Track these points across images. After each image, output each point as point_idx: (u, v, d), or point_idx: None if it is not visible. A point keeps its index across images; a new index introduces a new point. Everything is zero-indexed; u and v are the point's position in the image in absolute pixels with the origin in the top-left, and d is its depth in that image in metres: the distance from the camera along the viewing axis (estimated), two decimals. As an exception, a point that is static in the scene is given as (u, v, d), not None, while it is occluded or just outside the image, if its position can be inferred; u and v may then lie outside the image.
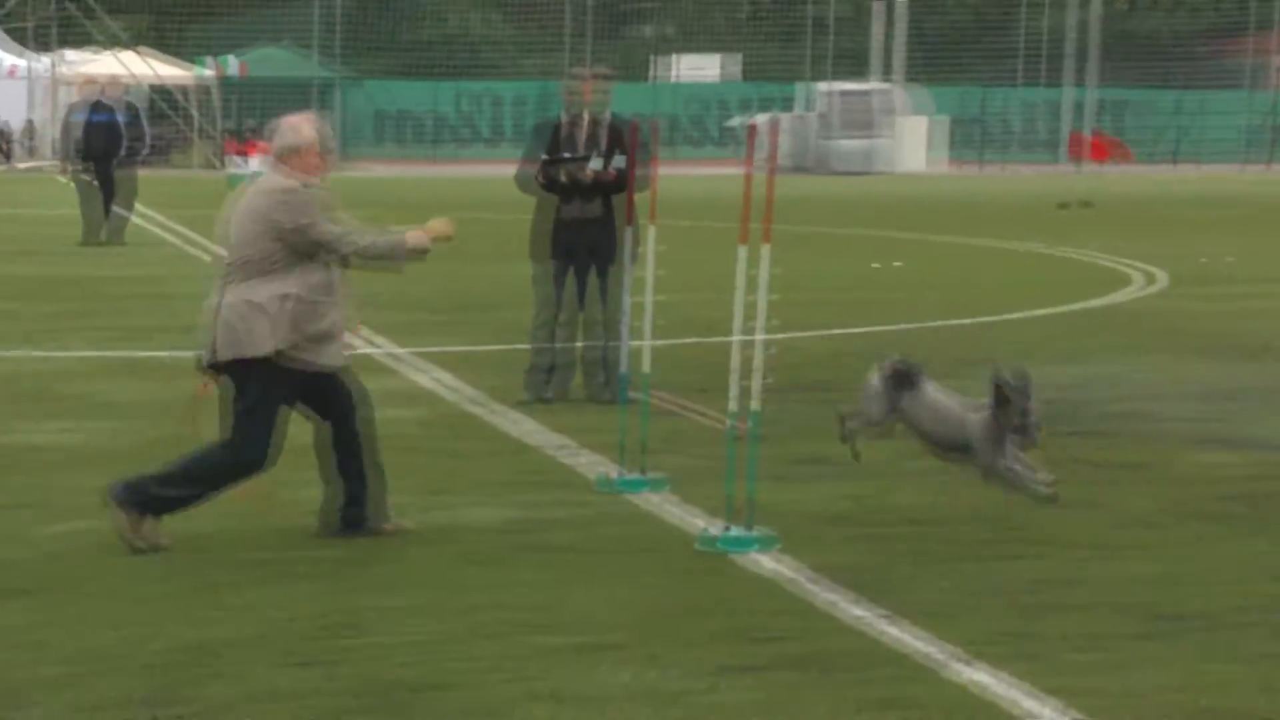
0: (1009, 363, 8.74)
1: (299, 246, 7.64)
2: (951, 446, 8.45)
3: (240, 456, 7.74)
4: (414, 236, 7.94)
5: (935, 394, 8.55)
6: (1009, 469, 8.18)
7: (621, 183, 11.44)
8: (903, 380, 8.59)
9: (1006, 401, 8.18)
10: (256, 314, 7.58)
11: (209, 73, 51.42)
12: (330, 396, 7.92)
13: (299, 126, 7.82)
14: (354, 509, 7.98)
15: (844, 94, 54.55)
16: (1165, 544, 8.00)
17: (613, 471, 9.31)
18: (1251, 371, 13.67)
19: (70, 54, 50.96)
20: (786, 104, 56.42)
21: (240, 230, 7.73)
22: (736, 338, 8.12)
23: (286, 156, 7.78)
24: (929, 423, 8.51)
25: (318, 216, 7.68)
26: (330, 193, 7.89)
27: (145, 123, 25.08)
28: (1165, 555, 7.77)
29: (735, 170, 46.71)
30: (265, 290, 7.59)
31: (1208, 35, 67.68)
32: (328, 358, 7.78)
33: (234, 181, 18.63)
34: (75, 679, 5.96)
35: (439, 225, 8.02)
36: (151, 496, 7.63)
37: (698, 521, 8.30)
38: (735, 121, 55.95)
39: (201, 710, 5.68)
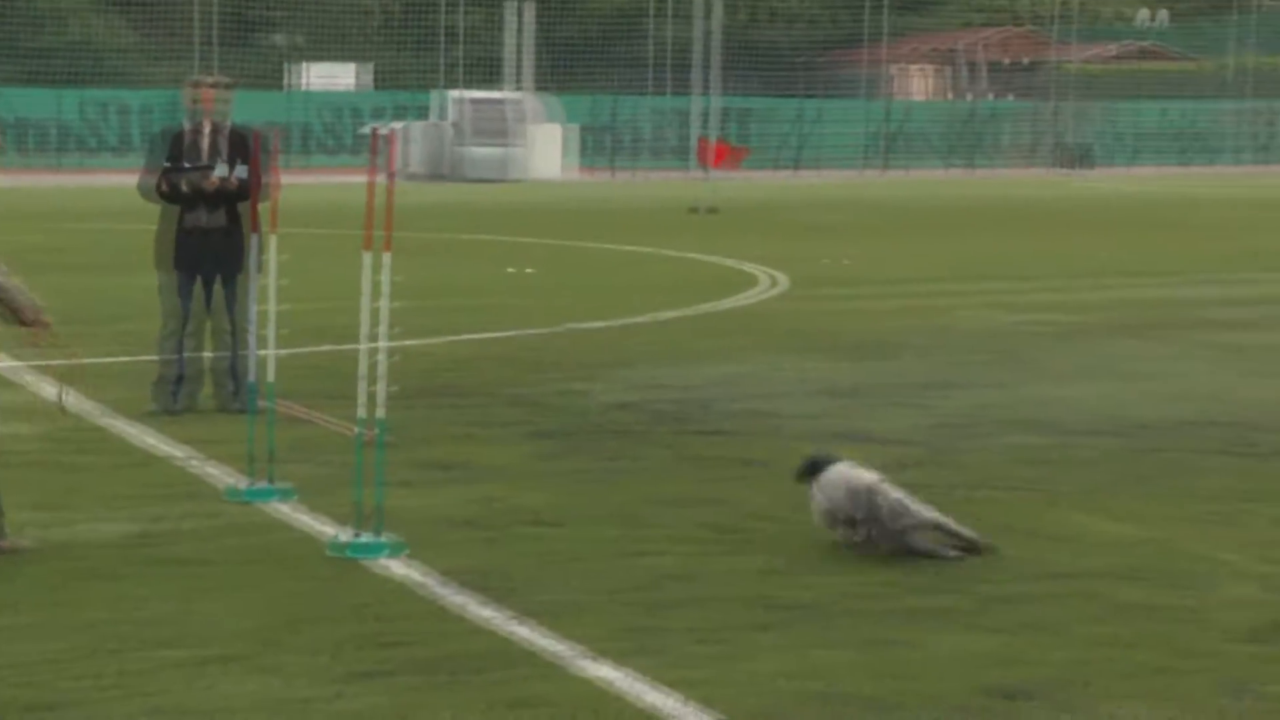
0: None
1: None
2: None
3: None
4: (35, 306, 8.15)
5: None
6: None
7: (244, 191, 11.33)
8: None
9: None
10: None
11: None
12: None
13: None
14: None
15: (475, 102, 54.68)
16: (783, 536, 8.23)
17: (241, 482, 9.20)
18: (869, 369, 14.16)
19: None
20: (422, 112, 56.34)
21: None
22: (364, 345, 8.10)
23: None
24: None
25: None
26: None
27: None
28: (782, 548, 8.00)
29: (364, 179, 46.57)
30: None
31: (825, 46, 69.98)
32: None
33: None
34: None
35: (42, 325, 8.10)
36: None
37: (327, 529, 8.25)
38: (367, 130, 55.62)
39: None
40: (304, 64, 61.04)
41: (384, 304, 7.92)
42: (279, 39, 63.42)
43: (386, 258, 7.92)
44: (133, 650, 6.40)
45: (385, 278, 7.91)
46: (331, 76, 61.52)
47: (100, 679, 6.07)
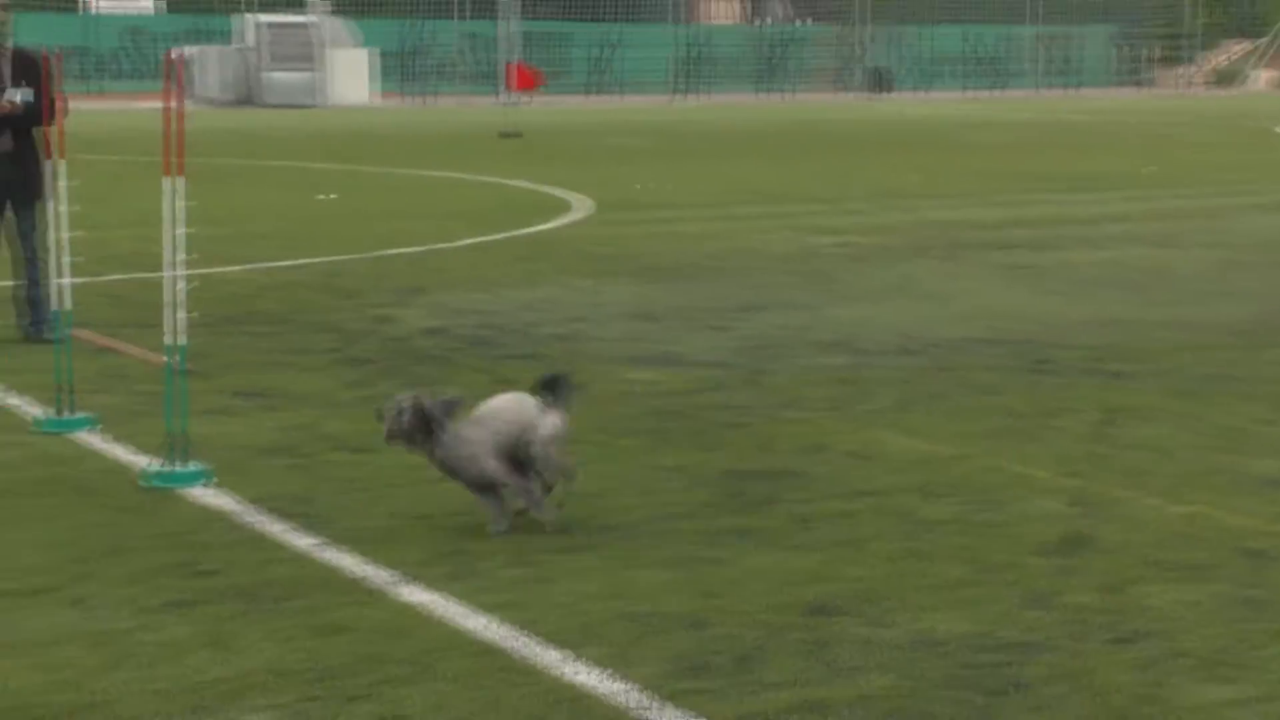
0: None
1: None
2: None
3: None
4: None
5: None
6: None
7: (29, 116, 11.12)
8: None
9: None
10: None
11: None
12: None
13: None
14: None
15: (274, 26, 53.91)
16: (595, 459, 8.27)
17: (48, 413, 9.05)
18: (675, 292, 14.26)
19: None
20: (224, 37, 55.42)
21: None
22: (168, 272, 7.99)
23: None
24: None
25: None
26: None
27: None
28: (595, 470, 8.04)
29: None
30: None
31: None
32: None
33: None
34: None
35: None
36: None
37: (135, 459, 8.16)
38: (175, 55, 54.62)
39: None
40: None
41: (179, 230, 7.81)
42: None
43: (179, 183, 7.81)
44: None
45: (178, 204, 7.80)
46: (129, 1, 60.26)
47: (-97, 614, 5.97)
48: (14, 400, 9.60)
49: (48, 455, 8.37)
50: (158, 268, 8.27)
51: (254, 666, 5.46)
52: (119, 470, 8.07)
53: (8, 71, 11.29)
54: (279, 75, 53.00)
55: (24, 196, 11.29)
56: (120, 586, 6.28)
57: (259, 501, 7.42)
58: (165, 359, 8.02)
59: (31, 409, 9.31)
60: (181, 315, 7.85)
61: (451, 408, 6.94)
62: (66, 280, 9.08)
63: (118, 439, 8.62)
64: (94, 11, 58.47)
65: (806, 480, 7.94)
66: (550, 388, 7.06)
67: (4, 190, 11.34)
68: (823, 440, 8.77)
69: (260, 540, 6.92)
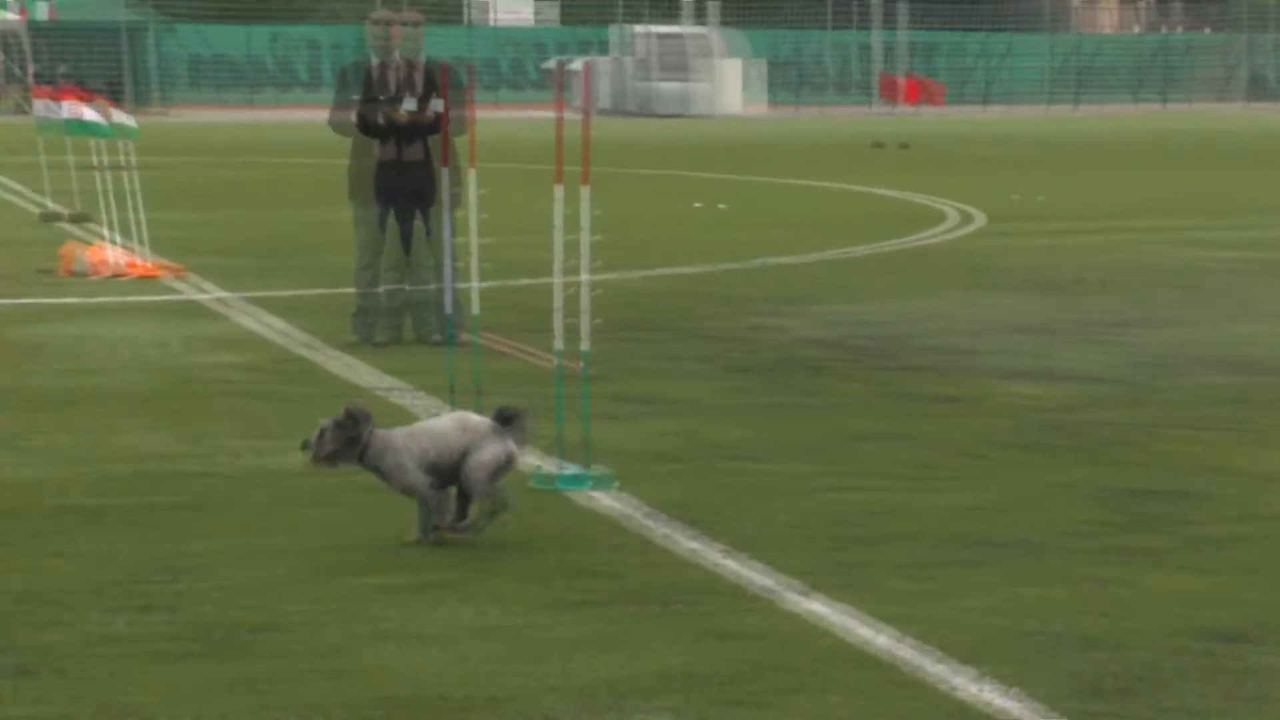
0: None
1: None
2: None
3: None
4: None
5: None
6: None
7: (438, 126, 11.49)
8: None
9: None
10: None
11: (13, 16, 50.25)
12: None
13: None
14: None
15: (660, 37, 54.69)
16: (985, 474, 8.22)
17: (441, 412, 9.34)
18: (1060, 306, 14.03)
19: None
20: (603, 48, 56.44)
21: None
22: (558, 279, 8.19)
23: None
24: None
25: None
26: None
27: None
28: (986, 484, 7.99)
29: (554, 113, 46.81)
30: None
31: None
32: None
33: (44, 128, 18.26)
34: (-90, 629, 5.91)
35: None
36: None
37: (531, 460, 8.37)
38: (551, 64, 55.90)
39: (41, 657, 5.66)
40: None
41: (585, 238, 8.00)
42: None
43: (585, 191, 7.99)
44: (349, 576, 6.57)
45: (585, 212, 7.99)
46: (513, 12, 61.78)
47: (321, 603, 6.24)
48: (412, 400, 9.93)
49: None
50: (548, 274, 8.47)
51: (643, 669, 5.57)
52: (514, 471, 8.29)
53: (419, 82, 11.70)
54: (663, 85, 53.78)
55: (429, 204, 11.67)
56: (521, 584, 6.47)
57: (656, 505, 7.55)
58: (556, 362, 8.22)
59: (429, 409, 9.60)
60: (585, 321, 8.04)
61: (368, 417, 6.96)
62: (474, 285, 9.37)
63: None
64: (483, 23, 60.11)
65: (1203, 501, 7.73)
66: (506, 420, 7.00)
67: (413, 198, 11.74)
68: (1218, 461, 8.53)
69: (649, 545, 7.04)
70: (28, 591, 6.32)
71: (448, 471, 6.97)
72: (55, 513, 7.41)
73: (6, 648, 5.73)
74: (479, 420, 7.09)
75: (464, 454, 6.96)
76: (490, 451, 6.96)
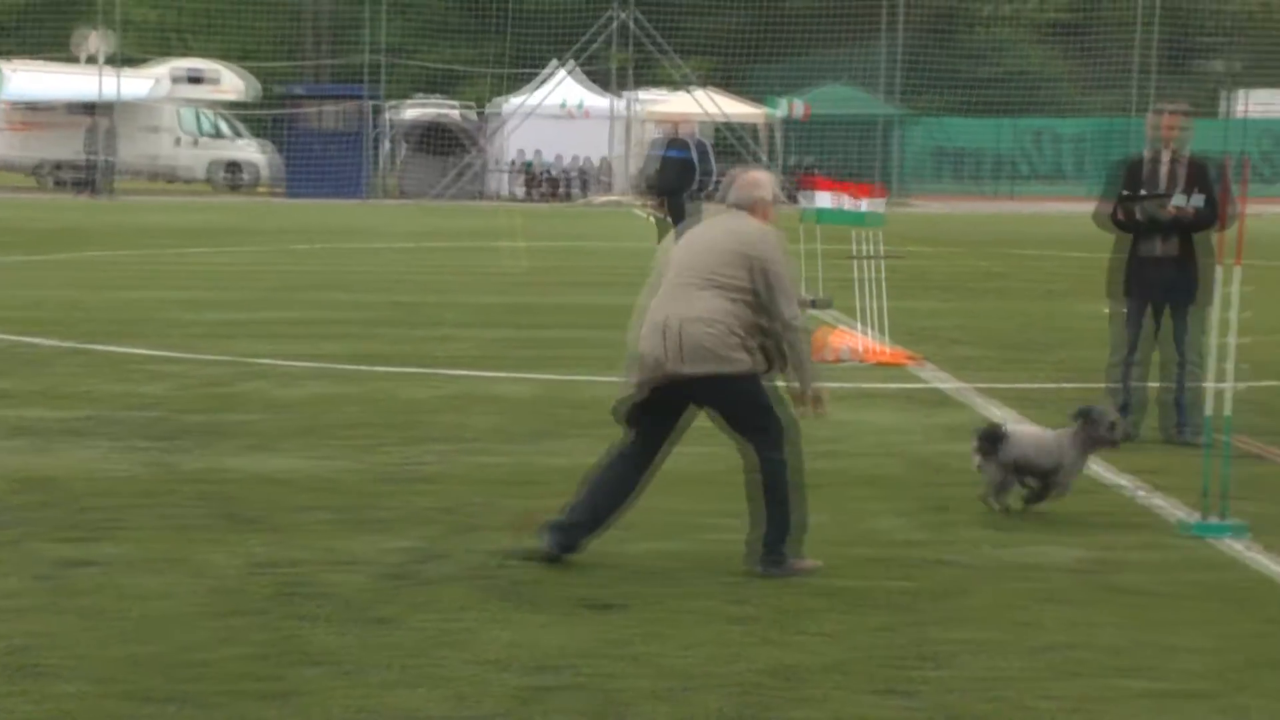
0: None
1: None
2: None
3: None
4: (819, 388, 8.07)
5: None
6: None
7: (1200, 221, 11.24)
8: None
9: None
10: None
11: (779, 113, 52.54)
12: None
13: (760, 182, 8.23)
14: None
15: None
16: None
17: (1192, 516, 9.09)
18: None
19: (643, 93, 53.05)
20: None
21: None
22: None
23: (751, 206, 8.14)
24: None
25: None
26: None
27: (713, 158, 25.78)
28: None
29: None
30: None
31: None
32: None
33: (806, 216, 18.94)
34: (669, 694, 6.19)
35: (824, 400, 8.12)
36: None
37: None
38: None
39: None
40: (1239, 90, 59.62)
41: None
42: (1218, 65, 62.27)
43: None
44: (1089, 676, 6.46)
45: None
46: (1268, 103, 59.75)
47: (1058, 701, 6.16)
48: (1157, 501, 9.71)
49: (1193, 559, 8.39)
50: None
51: None
52: (1266, 581, 7.97)
53: (1182, 176, 11.49)
54: None
55: (1182, 300, 11.43)
56: (1274, 699, 6.19)
57: None
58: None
59: (1174, 511, 9.38)
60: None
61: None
62: (1229, 385, 9.08)
63: (1268, 549, 8.51)
64: (1240, 115, 58.45)
65: None
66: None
67: (1166, 293, 11.52)
68: None
69: None
70: (776, 667, 6.51)
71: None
72: (800, 593, 7.61)
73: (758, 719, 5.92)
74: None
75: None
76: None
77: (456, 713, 5.98)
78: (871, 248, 17.27)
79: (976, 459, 9.38)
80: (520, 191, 51.93)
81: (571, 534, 8.01)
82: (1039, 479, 9.35)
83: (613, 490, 8.05)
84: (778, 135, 52.82)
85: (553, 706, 6.03)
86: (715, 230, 8.11)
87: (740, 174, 8.37)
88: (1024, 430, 9.88)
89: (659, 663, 6.55)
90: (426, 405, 12.80)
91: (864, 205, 17.68)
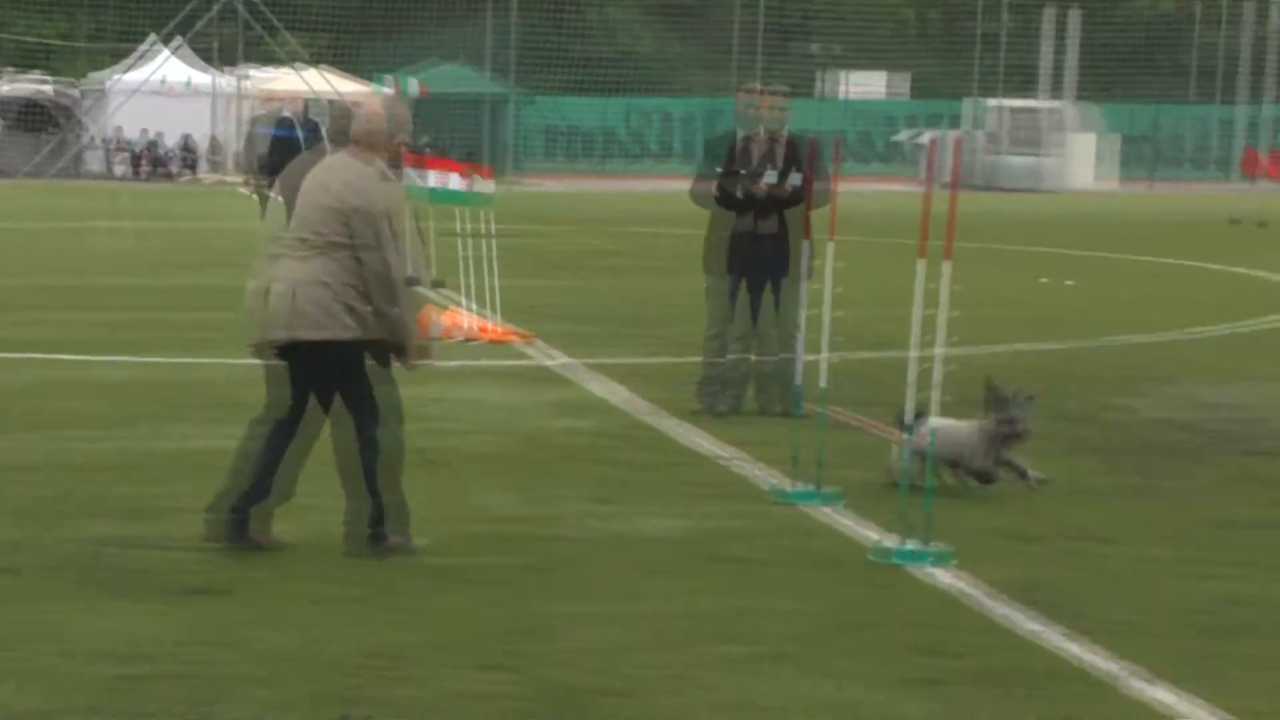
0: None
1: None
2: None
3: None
4: (420, 344, 7.99)
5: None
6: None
7: (797, 198, 11.55)
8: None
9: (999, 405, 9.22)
10: None
11: (388, 90, 52.14)
12: None
13: (375, 114, 7.87)
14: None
15: (1014, 111, 54.15)
16: (1350, 566, 7.91)
17: (787, 484, 9.37)
18: None
19: (254, 71, 52.07)
20: (953, 121, 56.07)
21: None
22: (914, 352, 8.15)
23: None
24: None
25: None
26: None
27: (326, 138, 25.48)
28: (1349, 578, 7.69)
29: (901, 187, 46.49)
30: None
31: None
32: None
33: (416, 194, 18.85)
34: (267, 678, 6.13)
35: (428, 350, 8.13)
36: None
37: (872, 535, 8.34)
38: (904, 137, 55.81)
39: (391, 711, 5.83)
40: (839, 72, 61.53)
41: (941, 313, 7.95)
42: (815, 47, 64.11)
43: (946, 267, 7.95)
44: (690, 644, 6.61)
45: (944, 287, 7.93)
46: (864, 85, 61.80)
47: (661, 669, 6.29)
48: (754, 471, 9.97)
49: (787, 527, 8.64)
50: (901, 348, 8.44)
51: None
52: (854, 545, 8.26)
53: (780, 156, 11.80)
54: (1013, 159, 53.25)
55: (780, 276, 11.73)
56: (859, 659, 6.43)
57: (997, 585, 7.44)
58: (907, 437, 8.17)
59: (769, 480, 9.65)
60: (935, 396, 7.98)
61: None
62: (824, 357, 9.38)
63: (859, 515, 8.82)
64: (839, 96, 60.24)
65: None
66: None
67: (764, 269, 11.81)
68: None
69: (997, 625, 6.94)
70: (379, 648, 6.50)
71: None
72: (406, 572, 7.61)
73: (358, 699, 5.91)
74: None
75: None
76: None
77: (46, 705, 5.82)
78: (483, 226, 17.31)
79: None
80: (122, 170, 50.48)
81: (239, 517, 7.85)
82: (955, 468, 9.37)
83: (265, 461, 7.90)
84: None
85: (147, 695, 5.91)
86: (317, 182, 7.84)
87: (363, 104, 8.07)
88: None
89: (258, 647, 6.47)
90: (27, 391, 12.39)
91: (474, 185, 17.71)
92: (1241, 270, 24.66)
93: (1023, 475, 9.27)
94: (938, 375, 8.05)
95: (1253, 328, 17.68)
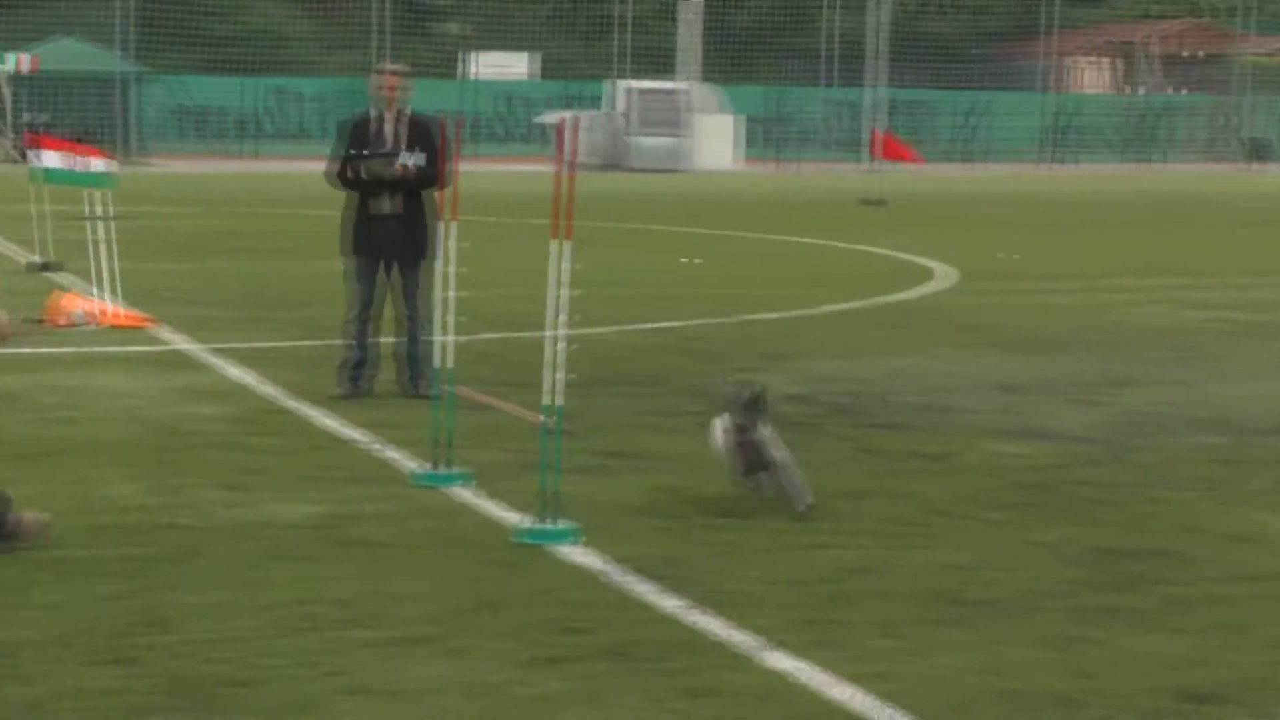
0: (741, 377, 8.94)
1: None
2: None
3: None
4: None
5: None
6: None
7: (423, 179, 11.50)
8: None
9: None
10: None
11: (6, 68, 50.26)
12: None
13: None
14: None
15: (643, 92, 54.83)
16: (964, 532, 8.19)
17: (424, 466, 9.31)
18: (1043, 364, 14.02)
19: None
20: (595, 101, 56.55)
21: None
22: (549, 332, 8.16)
23: None
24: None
25: None
26: None
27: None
28: (964, 543, 7.95)
29: (540, 167, 46.71)
30: None
31: (996, 37, 69.21)
32: None
33: (34, 175, 18.25)
34: (-126, 681, 5.84)
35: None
36: None
37: (508, 515, 8.34)
38: (546, 118, 56.04)
39: (10, 711, 5.60)
40: (475, 53, 61.55)
41: (564, 292, 7.98)
42: (453, 27, 64.00)
43: (566, 247, 7.97)
44: (320, 630, 6.51)
45: (564, 266, 7.97)
46: (504, 65, 61.93)
47: (289, 657, 6.18)
48: (391, 454, 9.89)
49: (424, 508, 8.60)
50: (533, 328, 8.46)
51: (626, 725, 5.52)
52: (492, 525, 8.25)
53: (404, 135, 11.71)
54: (647, 140, 53.93)
55: (412, 257, 11.67)
56: (495, 639, 6.42)
57: (627, 561, 7.50)
58: (541, 417, 8.19)
59: (407, 462, 9.58)
60: (560, 376, 8.01)
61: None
62: (450, 338, 9.34)
63: (492, 495, 8.82)
64: (475, 78, 60.25)
65: (1183, 561, 7.71)
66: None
67: (395, 250, 11.73)
68: (1200, 521, 8.51)
69: (628, 600, 7.00)
70: (3, 644, 6.24)
71: None
72: (25, 565, 7.33)
73: (-30, 700, 5.66)
74: None
75: None
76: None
77: None
78: (103, 209, 16.81)
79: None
80: None
81: None
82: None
83: None
84: (6, 91, 50.57)
85: None
86: None
87: None
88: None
89: None
90: None
91: (94, 166, 17.21)
92: (867, 248, 25.40)
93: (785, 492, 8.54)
94: (550, 354, 8.03)
95: (879, 304, 18.23)
